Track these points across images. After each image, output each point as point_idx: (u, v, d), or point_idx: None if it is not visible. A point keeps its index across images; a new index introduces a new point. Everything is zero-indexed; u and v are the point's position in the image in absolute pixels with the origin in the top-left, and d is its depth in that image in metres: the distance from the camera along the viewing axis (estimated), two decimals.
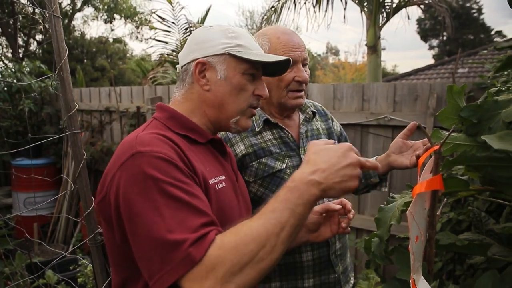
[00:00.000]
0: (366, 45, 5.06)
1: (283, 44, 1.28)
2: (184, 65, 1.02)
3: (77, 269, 3.21)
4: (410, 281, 0.80)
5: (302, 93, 1.32)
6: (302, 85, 1.30)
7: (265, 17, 5.71)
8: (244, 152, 1.30)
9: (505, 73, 1.83)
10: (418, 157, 1.20)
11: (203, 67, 0.98)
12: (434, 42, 19.73)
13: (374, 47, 4.96)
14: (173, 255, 0.74)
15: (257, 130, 1.33)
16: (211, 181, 0.92)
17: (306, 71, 1.32)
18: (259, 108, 1.37)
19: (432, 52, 20.04)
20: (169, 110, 1.01)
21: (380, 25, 5.00)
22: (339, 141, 1.50)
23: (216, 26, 1.03)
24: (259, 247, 0.75)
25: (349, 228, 1.16)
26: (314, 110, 1.46)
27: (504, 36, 17.35)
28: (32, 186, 4.21)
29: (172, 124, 0.98)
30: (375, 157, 1.46)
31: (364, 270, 2.93)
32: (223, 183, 0.97)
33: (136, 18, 13.05)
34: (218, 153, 1.05)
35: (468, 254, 1.67)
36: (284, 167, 1.31)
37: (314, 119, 1.46)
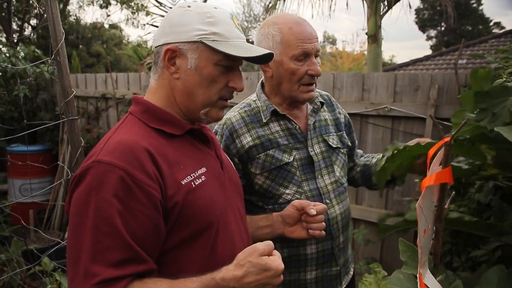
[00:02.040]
0: (366, 34, 5.00)
1: (296, 35, 1.21)
2: (157, 46, 0.96)
3: None
4: (418, 275, 0.79)
5: (314, 86, 1.28)
6: (315, 78, 1.26)
7: (270, 5, 5.61)
8: (251, 144, 1.26)
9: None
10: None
11: (173, 54, 0.93)
12: (432, 32, 19.58)
13: (374, 36, 4.91)
14: (81, 283, 0.77)
15: (264, 121, 1.29)
16: (184, 181, 0.91)
17: (318, 62, 1.27)
18: (266, 99, 1.32)
19: (430, 42, 19.89)
20: (143, 102, 0.98)
21: (381, 14, 4.95)
22: (345, 131, 1.46)
23: (194, 7, 0.94)
24: None
25: (323, 232, 1.15)
26: (322, 101, 1.42)
27: (503, 27, 17.27)
28: (27, 173, 4.17)
29: (147, 118, 0.95)
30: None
31: (361, 263, 2.95)
32: (203, 176, 0.95)
33: (133, 3, 12.81)
34: (199, 143, 1.02)
35: (467, 246, 1.66)
36: (291, 160, 1.28)
37: (322, 109, 1.42)
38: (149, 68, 5.11)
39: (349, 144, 1.47)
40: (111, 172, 0.80)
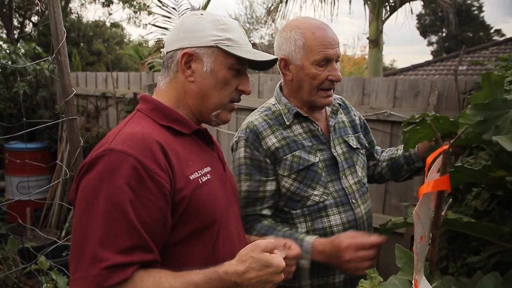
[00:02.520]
0: (368, 38, 5.01)
1: (319, 41, 1.22)
2: (170, 51, 1.00)
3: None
4: (413, 281, 0.79)
5: (332, 91, 1.29)
6: (334, 83, 1.27)
7: (272, 7, 5.62)
8: (277, 145, 1.26)
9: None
10: None
11: (190, 58, 0.97)
12: (433, 38, 19.64)
13: (376, 41, 4.91)
14: (87, 267, 0.77)
15: (287, 123, 1.30)
16: (192, 176, 0.93)
17: (338, 67, 1.28)
18: (287, 101, 1.33)
19: (431, 48, 19.95)
20: (152, 101, 1.00)
21: (383, 19, 4.96)
22: (361, 132, 1.48)
23: (207, 15, 1.01)
24: None
25: (290, 275, 1.10)
26: (340, 103, 1.44)
27: (503, 34, 17.33)
28: (25, 170, 4.16)
29: (156, 115, 0.97)
30: (416, 146, 1.41)
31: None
32: (208, 175, 0.98)
33: (135, 2, 12.83)
34: (204, 143, 1.06)
35: (462, 252, 1.66)
36: (317, 160, 1.28)
37: (339, 112, 1.44)
38: (150, 68, 5.12)
39: (367, 145, 1.49)
40: (124, 160, 0.82)
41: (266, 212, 1.29)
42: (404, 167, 1.47)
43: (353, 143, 1.39)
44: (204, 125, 1.10)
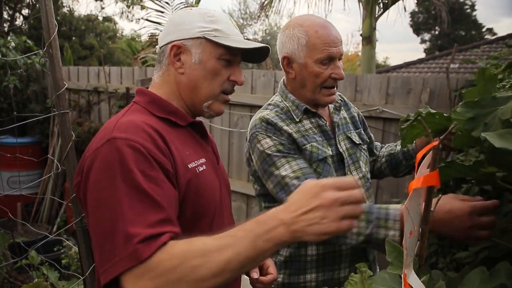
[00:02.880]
0: (361, 35, 5.02)
1: (322, 39, 1.22)
2: (162, 46, 1.02)
3: (61, 250, 3.18)
4: (402, 276, 0.80)
5: (335, 89, 1.30)
6: (337, 81, 1.28)
7: (265, 2, 5.60)
8: (294, 135, 1.26)
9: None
10: None
11: (179, 50, 0.99)
12: (426, 36, 19.73)
13: (369, 38, 4.93)
14: (122, 248, 0.75)
15: (297, 120, 1.30)
16: (190, 165, 0.94)
17: (340, 66, 1.28)
18: (294, 98, 1.33)
19: (424, 46, 20.04)
20: (149, 94, 1.01)
21: (376, 16, 4.97)
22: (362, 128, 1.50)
23: (196, 10, 1.03)
24: (205, 266, 0.73)
25: None
26: (341, 99, 1.46)
27: (495, 33, 17.49)
28: (16, 165, 4.12)
29: (153, 107, 0.98)
30: (414, 142, 1.41)
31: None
32: (204, 166, 0.99)
33: None
34: (198, 136, 1.07)
35: (452, 248, 1.69)
36: (331, 153, 1.30)
37: (341, 108, 1.45)
38: (143, 63, 5.08)
39: (367, 140, 1.51)
40: (129, 146, 0.82)
41: None
42: (402, 162, 1.49)
43: (356, 139, 1.40)
44: (198, 119, 1.11)
